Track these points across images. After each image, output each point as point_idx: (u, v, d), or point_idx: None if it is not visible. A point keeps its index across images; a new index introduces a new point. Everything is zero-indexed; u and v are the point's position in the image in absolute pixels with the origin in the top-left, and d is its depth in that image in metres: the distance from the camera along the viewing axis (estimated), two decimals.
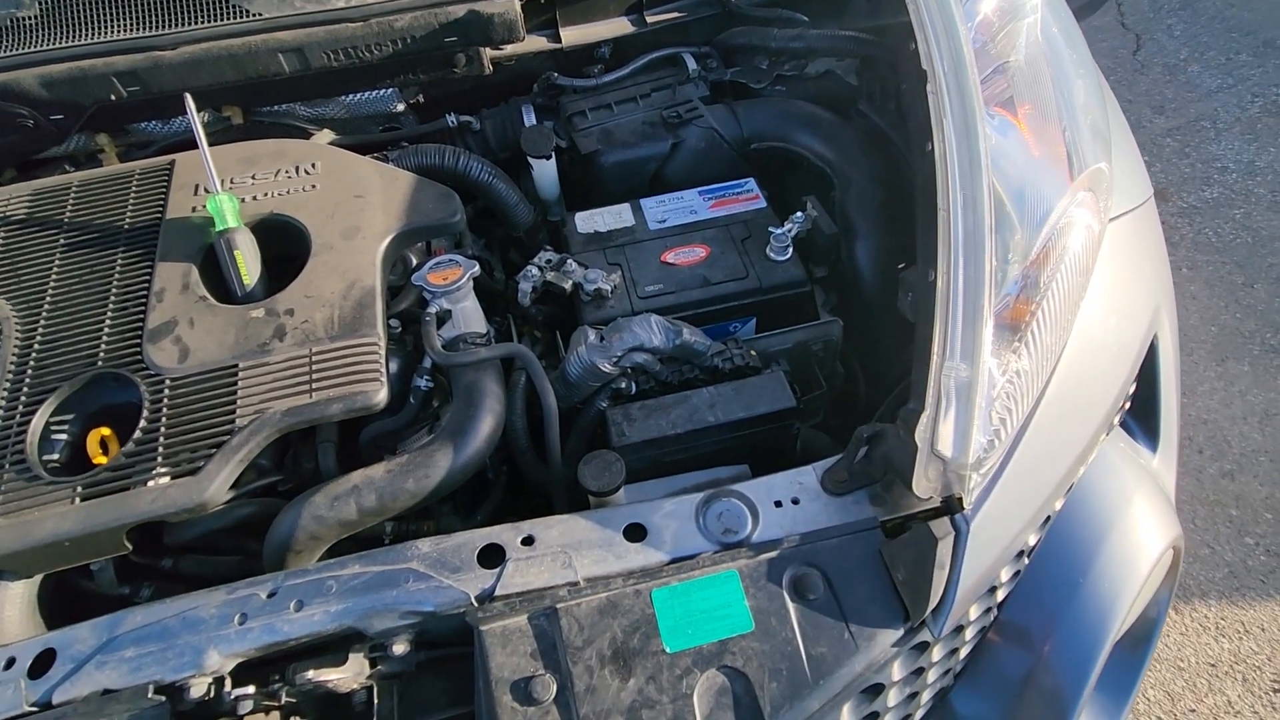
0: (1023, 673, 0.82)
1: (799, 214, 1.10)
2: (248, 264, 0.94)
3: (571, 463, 0.97)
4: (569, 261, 1.05)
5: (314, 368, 0.86)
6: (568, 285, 1.04)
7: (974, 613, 0.79)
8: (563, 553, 0.77)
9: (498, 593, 0.74)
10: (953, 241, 0.82)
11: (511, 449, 0.98)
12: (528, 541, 0.78)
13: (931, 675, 0.79)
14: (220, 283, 0.94)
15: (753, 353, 1.00)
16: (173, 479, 0.79)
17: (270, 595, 0.75)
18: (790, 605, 0.72)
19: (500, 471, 1.05)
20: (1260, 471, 1.91)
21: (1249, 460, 1.93)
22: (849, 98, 1.28)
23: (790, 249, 1.08)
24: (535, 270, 1.05)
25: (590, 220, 1.17)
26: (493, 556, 0.77)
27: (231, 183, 1.02)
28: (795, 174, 1.25)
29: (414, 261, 1.09)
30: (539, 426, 0.93)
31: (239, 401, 0.83)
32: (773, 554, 0.75)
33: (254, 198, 1.01)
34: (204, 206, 0.97)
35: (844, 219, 1.13)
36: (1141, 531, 0.85)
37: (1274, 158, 2.77)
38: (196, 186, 1.02)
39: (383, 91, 1.30)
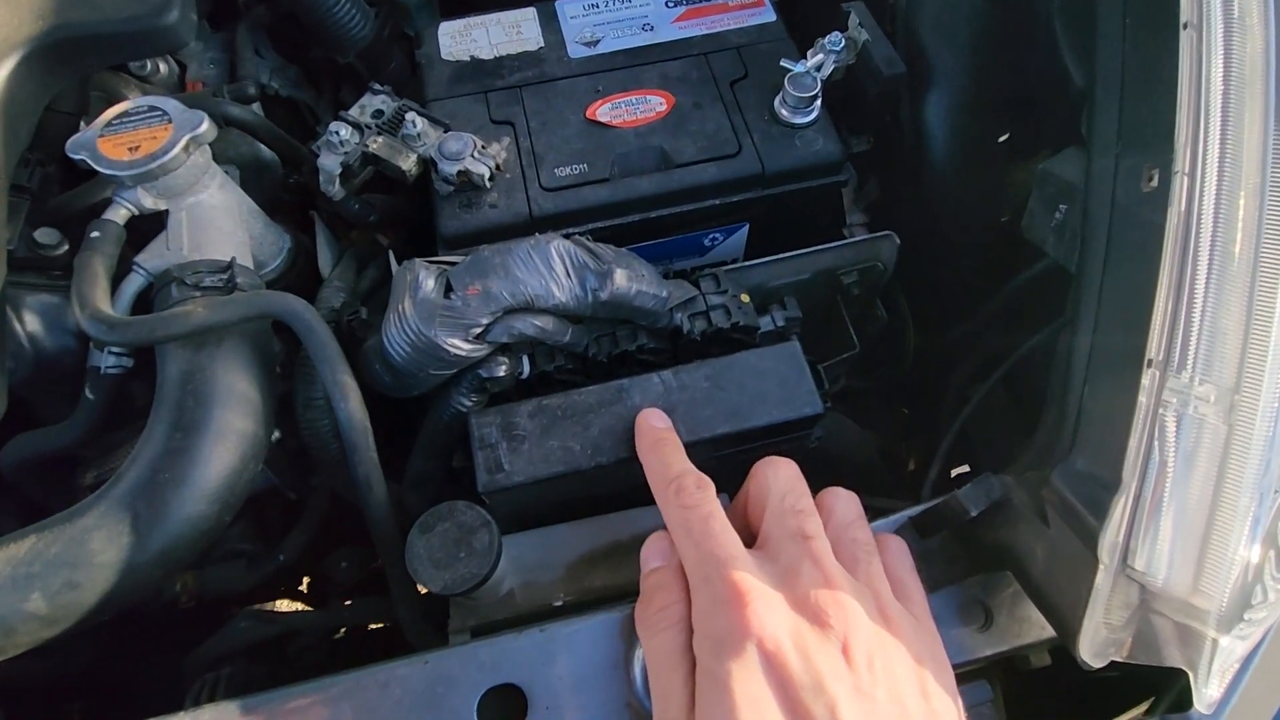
0: None
1: (834, 36, 0.62)
2: None
3: (418, 489, 0.56)
4: (410, 116, 0.56)
5: None
6: (409, 163, 0.56)
7: None
8: None
9: None
10: (1206, 107, 0.37)
11: (315, 460, 0.56)
12: None
13: None
14: None
15: (746, 298, 0.55)
16: None
17: None
18: None
19: (310, 486, 0.62)
20: None
21: None
22: None
23: (818, 103, 0.61)
24: (345, 132, 0.55)
25: (464, 37, 0.66)
26: None
27: None
28: None
29: (131, 105, 0.59)
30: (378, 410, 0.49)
31: None
32: None
33: None
34: None
35: (911, 47, 0.64)
36: None
37: None
38: None
39: None
